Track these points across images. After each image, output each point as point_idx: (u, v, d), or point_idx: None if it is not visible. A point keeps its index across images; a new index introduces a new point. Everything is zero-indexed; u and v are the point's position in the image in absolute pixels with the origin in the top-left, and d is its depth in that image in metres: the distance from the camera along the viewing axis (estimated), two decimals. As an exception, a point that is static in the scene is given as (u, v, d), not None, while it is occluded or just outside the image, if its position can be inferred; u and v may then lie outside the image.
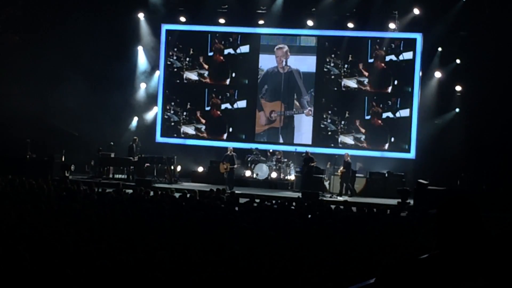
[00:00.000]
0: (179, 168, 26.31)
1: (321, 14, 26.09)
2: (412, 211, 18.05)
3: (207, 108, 27.75)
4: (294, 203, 17.33)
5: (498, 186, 21.37)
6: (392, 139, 25.90)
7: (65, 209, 12.58)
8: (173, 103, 28.08)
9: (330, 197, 23.04)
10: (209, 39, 27.60)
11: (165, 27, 28.00)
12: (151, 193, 17.14)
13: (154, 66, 28.21)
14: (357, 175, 24.52)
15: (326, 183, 24.46)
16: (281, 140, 27.07)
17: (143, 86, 28.25)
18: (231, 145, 25.71)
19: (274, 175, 25.60)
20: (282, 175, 25.73)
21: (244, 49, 27.40)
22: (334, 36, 26.67)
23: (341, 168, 23.99)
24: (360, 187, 24.31)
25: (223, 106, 27.59)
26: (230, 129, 27.50)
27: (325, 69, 26.65)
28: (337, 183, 24.07)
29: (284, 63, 26.89)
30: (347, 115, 26.41)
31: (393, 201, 20.87)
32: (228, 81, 27.54)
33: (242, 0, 26.70)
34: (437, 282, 3.21)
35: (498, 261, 3.24)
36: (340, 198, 22.52)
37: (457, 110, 25.28)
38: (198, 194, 17.76)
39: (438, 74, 25.39)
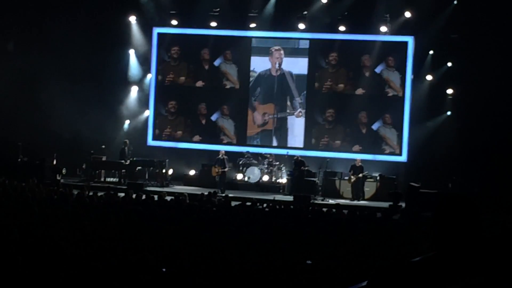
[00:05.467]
0: (170, 171, 26.26)
1: (313, 17, 26.11)
2: (404, 214, 18.10)
3: (198, 112, 27.71)
4: (285, 206, 17.34)
5: (490, 188, 21.40)
6: (384, 142, 25.92)
7: (56, 212, 12.54)
8: (164, 107, 28.03)
9: (322, 200, 23.06)
10: (201, 43, 27.57)
11: (156, 30, 27.94)
12: (143, 197, 17.10)
13: (145, 69, 28.17)
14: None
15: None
16: (274, 143, 27.02)
17: (134, 89, 28.20)
18: (222, 148, 25.70)
19: (265, 178, 25.59)
20: (273, 179, 25.73)
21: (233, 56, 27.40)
22: (326, 39, 26.70)
23: (352, 173, 23.93)
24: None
25: (213, 109, 27.57)
26: (222, 133, 27.47)
27: (317, 72, 26.66)
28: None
29: (277, 65, 26.89)
30: (339, 118, 26.41)
31: (385, 204, 20.92)
32: (218, 84, 27.51)
33: (234, 3, 26.67)
34: (431, 285, 3.21)
35: (494, 262, 3.24)
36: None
37: (449, 113, 25.32)
38: (188, 198, 17.74)
39: (429, 77, 25.45)
